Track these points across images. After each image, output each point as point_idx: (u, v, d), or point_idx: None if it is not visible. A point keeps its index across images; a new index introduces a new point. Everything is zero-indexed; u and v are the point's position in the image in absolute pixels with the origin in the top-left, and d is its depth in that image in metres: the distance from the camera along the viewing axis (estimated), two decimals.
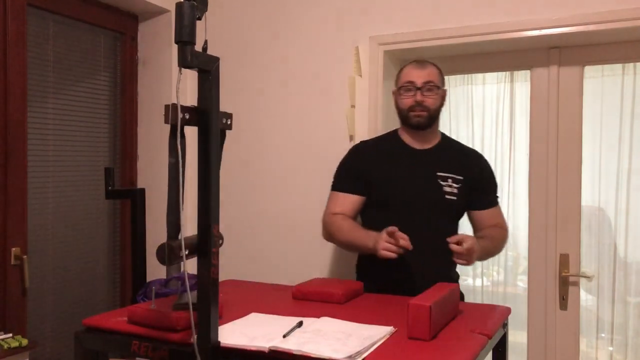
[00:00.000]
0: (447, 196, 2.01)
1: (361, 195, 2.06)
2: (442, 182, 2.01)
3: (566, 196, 2.32)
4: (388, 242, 1.77)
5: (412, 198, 2.00)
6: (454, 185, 2.02)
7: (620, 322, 2.31)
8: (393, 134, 2.15)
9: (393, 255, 1.76)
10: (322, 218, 2.11)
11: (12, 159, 2.17)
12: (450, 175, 2.03)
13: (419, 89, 1.98)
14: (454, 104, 2.60)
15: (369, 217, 2.09)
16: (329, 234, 2.08)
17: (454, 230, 2.05)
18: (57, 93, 2.46)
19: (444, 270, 1.98)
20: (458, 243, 1.75)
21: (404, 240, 1.76)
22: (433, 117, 2.02)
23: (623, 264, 2.31)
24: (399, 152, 2.08)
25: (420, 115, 2.00)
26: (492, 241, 2.00)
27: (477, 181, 2.07)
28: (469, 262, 1.80)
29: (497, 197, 2.13)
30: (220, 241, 1.40)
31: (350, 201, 2.06)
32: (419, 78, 1.99)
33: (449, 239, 1.77)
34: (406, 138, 2.09)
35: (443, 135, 2.14)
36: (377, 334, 1.38)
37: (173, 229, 1.28)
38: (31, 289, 2.28)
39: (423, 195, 2.00)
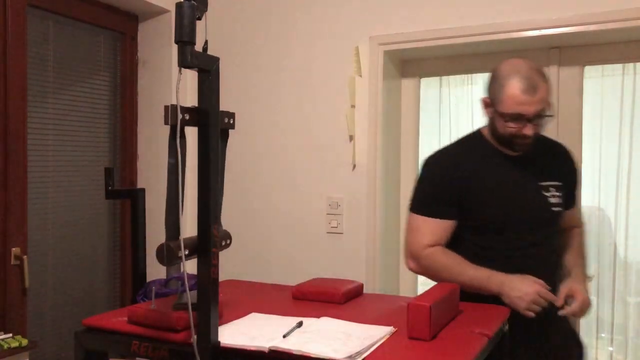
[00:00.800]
0: (553, 208, 1.78)
1: (455, 220, 1.78)
2: (546, 193, 1.78)
3: None
4: (536, 303, 1.62)
5: (524, 216, 1.75)
6: (557, 194, 1.80)
7: (620, 322, 2.31)
8: (478, 138, 1.84)
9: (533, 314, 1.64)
10: (410, 249, 1.81)
11: (12, 159, 2.17)
12: (551, 183, 1.80)
13: (529, 120, 1.66)
14: (454, 104, 2.60)
15: (467, 243, 1.80)
16: (427, 270, 1.80)
17: (556, 240, 1.87)
18: (57, 93, 2.46)
19: (559, 286, 1.77)
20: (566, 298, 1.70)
21: (554, 299, 1.67)
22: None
23: (623, 264, 2.31)
24: (494, 163, 1.79)
25: (526, 144, 1.71)
26: (582, 254, 1.92)
27: (571, 183, 1.90)
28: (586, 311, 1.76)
29: (576, 198, 1.97)
30: (228, 240, 1.39)
31: (444, 228, 1.78)
32: (531, 108, 1.64)
33: (560, 312, 1.69)
34: (496, 142, 1.80)
35: None
36: (377, 334, 1.38)
37: (172, 229, 1.28)
38: (31, 289, 2.28)
39: (534, 212, 1.76)
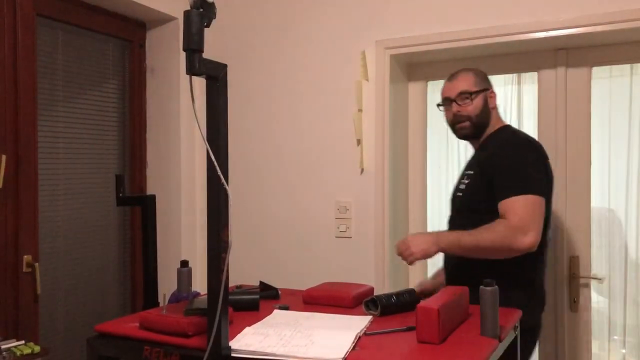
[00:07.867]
0: (458, 193, 2.03)
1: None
2: (462, 180, 2.03)
3: (576, 198, 2.31)
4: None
5: (451, 198, 2.10)
6: (465, 181, 2.00)
7: (632, 324, 2.29)
8: None
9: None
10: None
11: (23, 167, 2.19)
12: (469, 172, 2.02)
13: (454, 101, 1.99)
14: None
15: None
16: None
17: (468, 223, 1.87)
18: (67, 101, 2.48)
19: (466, 268, 1.89)
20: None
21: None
22: (478, 124, 2.00)
23: (634, 265, 2.29)
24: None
25: (464, 127, 2.00)
26: (467, 232, 1.84)
27: (490, 173, 1.89)
28: (406, 255, 1.88)
29: (511, 188, 1.82)
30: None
31: None
32: (452, 91, 2.00)
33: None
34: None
35: (498, 130, 2.02)
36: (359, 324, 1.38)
37: None
38: (43, 295, 2.30)
39: (451, 196, 2.10)
